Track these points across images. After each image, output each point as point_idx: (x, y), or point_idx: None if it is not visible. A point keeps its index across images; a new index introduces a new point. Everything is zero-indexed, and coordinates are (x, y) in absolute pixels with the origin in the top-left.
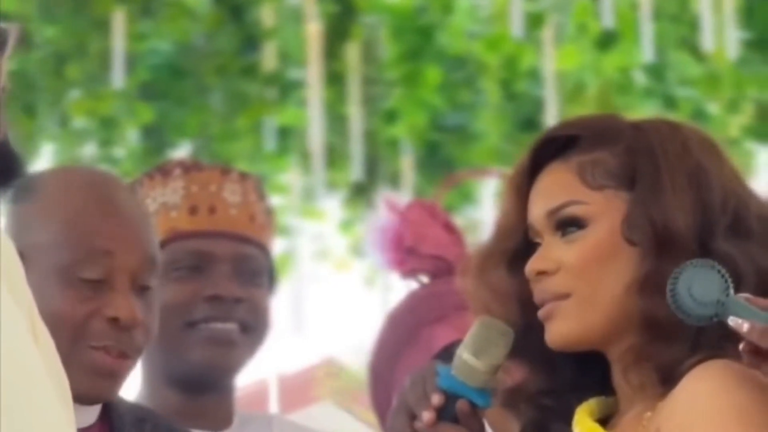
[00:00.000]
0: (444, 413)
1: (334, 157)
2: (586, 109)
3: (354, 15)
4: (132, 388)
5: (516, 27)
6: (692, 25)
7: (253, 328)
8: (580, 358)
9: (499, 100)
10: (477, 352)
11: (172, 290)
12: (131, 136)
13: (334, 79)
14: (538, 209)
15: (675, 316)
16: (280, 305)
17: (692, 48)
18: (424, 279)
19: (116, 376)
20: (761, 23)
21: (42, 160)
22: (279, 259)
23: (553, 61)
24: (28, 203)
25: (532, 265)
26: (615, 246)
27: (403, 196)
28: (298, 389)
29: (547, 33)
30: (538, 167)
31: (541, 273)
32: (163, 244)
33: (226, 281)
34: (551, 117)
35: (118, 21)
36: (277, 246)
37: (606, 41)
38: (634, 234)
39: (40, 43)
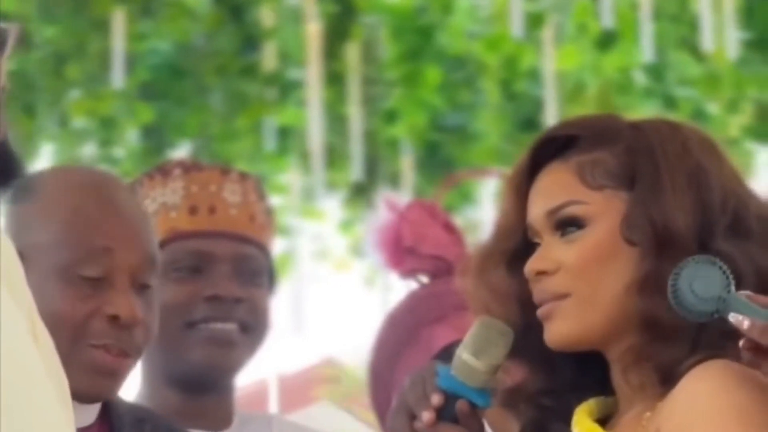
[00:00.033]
0: (444, 413)
1: (334, 157)
2: (586, 109)
3: (354, 15)
4: (132, 388)
5: (516, 27)
6: (692, 25)
7: (252, 328)
8: (579, 358)
9: (498, 100)
10: (477, 352)
11: (172, 290)
12: (131, 136)
13: (334, 79)
14: (537, 209)
15: (675, 315)
16: (279, 305)
17: (692, 48)
18: (424, 279)
19: (116, 375)
20: (761, 23)
21: (42, 160)
22: (279, 259)
23: (553, 61)
24: (27, 203)
25: (531, 265)
26: (614, 246)
27: (403, 196)
28: (298, 389)
29: (547, 33)
30: (537, 167)
31: (541, 273)
32: (163, 244)
33: (225, 281)
34: (551, 117)
35: (118, 21)
36: (277, 246)
37: (606, 41)
38: (633, 234)
39: (39, 43)
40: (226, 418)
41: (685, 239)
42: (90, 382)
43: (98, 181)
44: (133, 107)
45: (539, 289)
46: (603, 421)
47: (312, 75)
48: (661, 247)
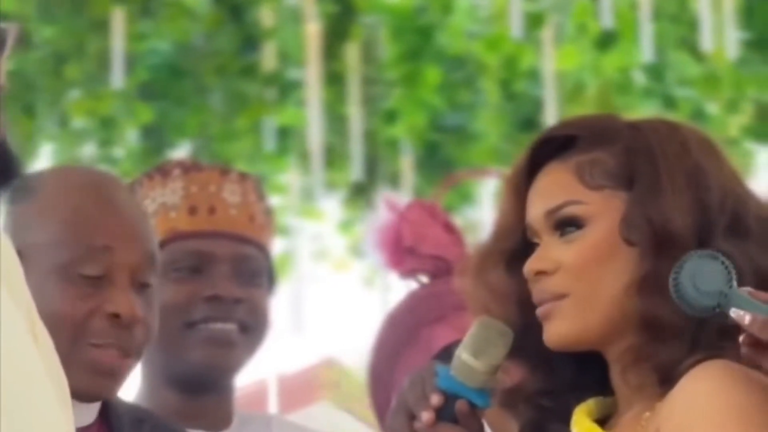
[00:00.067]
0: (443, 413)
1: (334, 157)
2: (585, 109)
3: (353, 15)
4: (132, 388)
5: (515, 27)
6: (692, 25)
7: (252, 329)
8: (578, 358)
9: (498, 100)
10: (476, 353)
11: (172, 290)
12: (131, 137)
13: (334, 79)
14: (536, 209)
15: (674, 315)
16: (279, 305)
17: (692, 48)
18: (424, 279)
19: (116, 375)
20: (761, 23)
21: (41, 160)
22: (278, 259)
23: (553, 61)
24: (26, 203)
25: (530, 265)
26: (613, 246)
27: (403, 196)
28: (298, 389)
29: (546, 33)
30: (536, 167)
31: (540, 273)
32: (163, 244)
33: (225, 281)
34: (551, 117)
35: (118, 21)
36: (277, 246)
37: (605, 41)
38: (632, 234)
39: (39, 43)
40: (226, 419)
41: (683, 239)
42: (90, 382)
43: (97, 180)
44: (132, 107)
45: (538, 289)
46: (602, 421)
47: (312, 75)
48: (660, 247)
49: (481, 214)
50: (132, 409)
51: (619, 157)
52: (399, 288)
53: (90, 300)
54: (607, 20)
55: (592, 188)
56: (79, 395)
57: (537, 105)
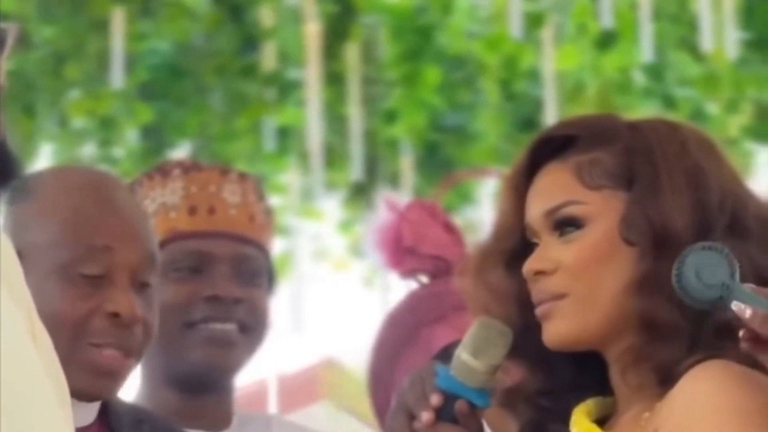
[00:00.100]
0: (443, 414)
1: (334, 157)
2: (585, 109)
3: (353, 15)
4: (131, 388)
5: (515, 27)
6: (691, 25)
7: (252, 329)
8: (578, 358)
9: (498, 100)
10: (476, 353)
11: (172, 290)
12: (130, 137)
13: (334, 80)
14: (535, 209)
15: (674, 315)
16: (279, 305)
17: (691, 48)
18: (424, 279)
19: (116, 376)
20: (761, 23)
21: (41, 160)
22: (278, 259)
23: (553, 62)
24: (26, 203)
25: (529, 265)
26: (613, 246)
27: (403, 196)
28: (298, 389)
29: (546, 33)
30: (535, 167)
31: (539, 273)
32: (163, 244)
33: (225, 282)
34: (551, 117)
35: (117, 21)
36: (276, 246)
37: (605, 41)
38: (632, 234)
39: (38, 43)
40: (226, 419)
41: (683, 239)
42: (90, 382)
43: (97, 180)
44: (132, 107)
45: (537, 289)
46: (601, 421)
47: (311, 75)
48: (659, 247)
49: (481, 214)
50: (131, 409)
51: (619, 157)
52: (399, 288)
53: (90, 300)
54: (607, 20)
55: (591, 188)
56: (79, 395)
57: (537, 105)
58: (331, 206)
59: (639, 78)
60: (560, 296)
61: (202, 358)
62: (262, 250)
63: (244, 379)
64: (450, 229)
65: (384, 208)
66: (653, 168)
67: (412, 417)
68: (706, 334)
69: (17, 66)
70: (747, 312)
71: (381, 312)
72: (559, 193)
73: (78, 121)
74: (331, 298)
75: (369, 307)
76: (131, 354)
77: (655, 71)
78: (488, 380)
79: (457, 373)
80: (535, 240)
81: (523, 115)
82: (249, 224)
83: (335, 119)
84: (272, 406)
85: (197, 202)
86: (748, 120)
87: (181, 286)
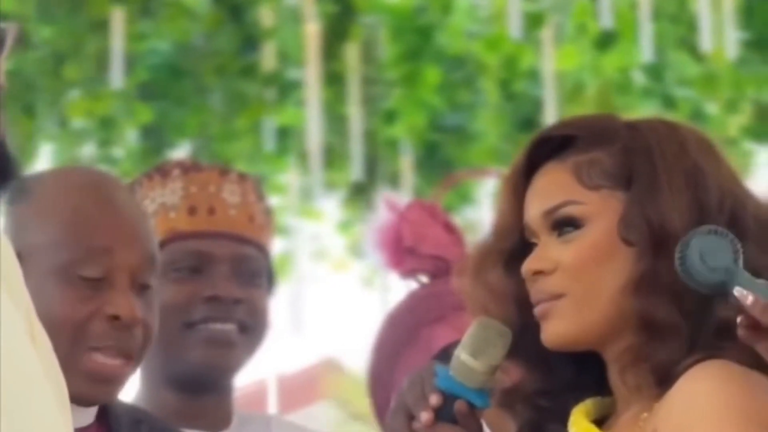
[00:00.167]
0: (442, 414)
1: (334, 157)
2: (585, 109)
3: (353, 15)
4: (131, 388)
5: (515, 27)
6: (691, 25)
7: (251, 329)
8: (577, 358)
9: (498, 101)
10: (475, 353)
11: (171, 291)
12: (130, 137)
13: (334, 80)
14: (534, 209)
15: (672, 315)
16: (278, 305)
17: (691, 48)
18: (424, 279)
19: (116, 381)
20: (760, 23)
21: (41, 160)
22: (278, 259)
23: (552, 62)
24: (25, 204)
25: (528, 265)
26: (611, 246)
27: (403, 196)
28: (297, 389)
29: (546, 33)
30: (534, 167)
31: (538, 273)
32: (162, 244)
33: (225, 282)
34: (550, 117)
35: (117, 21)
36: (276, 246)
37: (605, 41)
38: (630, 234)
39: (38, 44)
40: (225, 419)
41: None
42: (89, 387)
43: (97, 181)
44: (132, 107)
45: (536, 289)
46: (600, 421)
47: (311, 75)
48: (658, 247)
49: (481, 214)
50: (130, 409)
51: (618, 157)
52: (399, 288)
53: (89, 303)
54: (606, 20)
55: (590, 188)
56: (78, 401)
57: (537, 105)
58: (331, 206)
59: (639, 78)
60: (559, 296)
61: (201, 359)
62: (262, 250)
63: (244, 379)
64: (450, 229)
65: (384, 208)
66: (652, 168)
67: (411, 417)
68: (705, 334)
69: (17, 66)
70: (749, 298)
71: (381, 312)
72: (557, 193)
73: (78, 121)
74: (330, 298)
75: (369, 307)
76: (131, 358)
77: (655, 71)
78: (487, 380)
79: (457, 374)
80: (533, 240)
81: (523, 115)
82: (249, 224)
83: (335, 119)
84: (272, 406)
85: (197, 202)
86: (747, 120)
87: (180, 287)
